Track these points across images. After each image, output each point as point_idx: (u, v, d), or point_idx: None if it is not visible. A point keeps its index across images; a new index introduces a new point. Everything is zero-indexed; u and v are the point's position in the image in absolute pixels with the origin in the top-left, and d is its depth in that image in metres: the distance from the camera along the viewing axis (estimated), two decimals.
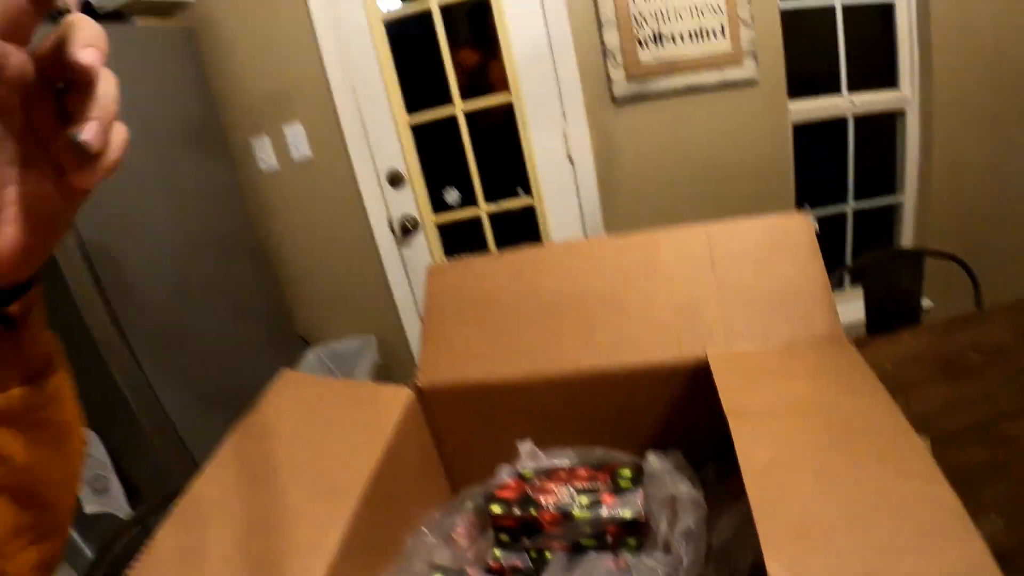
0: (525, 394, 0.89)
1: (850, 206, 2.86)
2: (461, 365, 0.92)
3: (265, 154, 2.87)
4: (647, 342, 0.82)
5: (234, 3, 2.78)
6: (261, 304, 2.83)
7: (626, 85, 2.49)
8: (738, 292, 0.82)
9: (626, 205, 2.65)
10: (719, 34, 2.40)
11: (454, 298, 0.97)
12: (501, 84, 2.64)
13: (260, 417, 0.86)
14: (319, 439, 0.82)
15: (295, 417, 0.86)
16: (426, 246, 2.87)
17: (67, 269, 1.96)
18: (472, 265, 1.01)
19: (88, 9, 2.49)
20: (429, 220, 2.85)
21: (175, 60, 2.63)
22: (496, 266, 0.99)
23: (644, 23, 2.42)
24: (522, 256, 0.99)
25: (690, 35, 2.41)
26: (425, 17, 2.63)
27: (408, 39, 2.71)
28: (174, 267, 2.35)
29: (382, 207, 2.82)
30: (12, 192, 0.40)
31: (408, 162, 2.76)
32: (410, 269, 2.92)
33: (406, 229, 2.82)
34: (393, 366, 2.99)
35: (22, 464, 0.48)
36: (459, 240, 2.91)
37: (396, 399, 0.88)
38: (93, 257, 2.03)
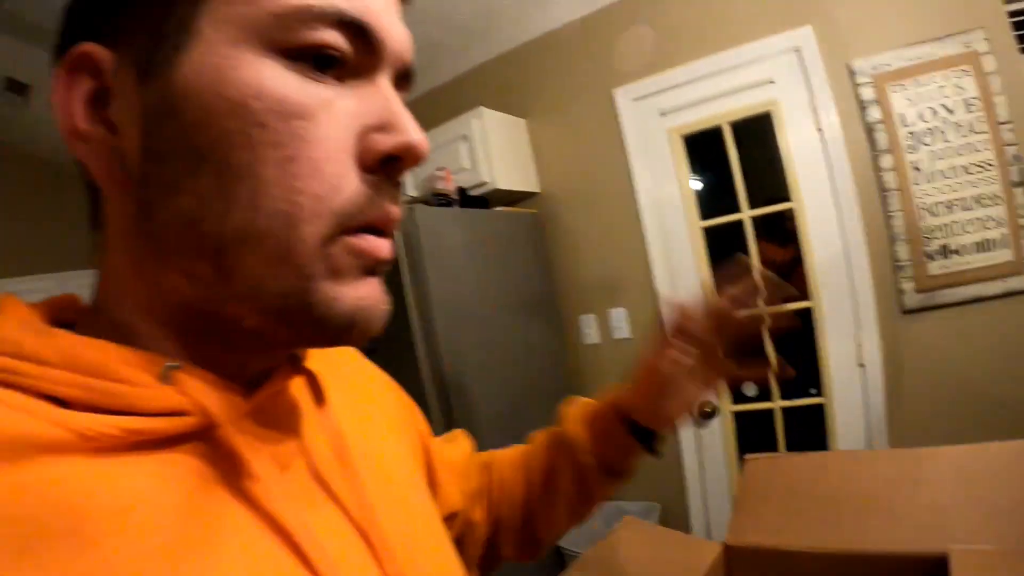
0: (807, 562, 1.17)
1: None
2: (760, 532, 1.23)
3: (590, 330, 3.35)
4: (905, 535, 1.07)
5: (575, 198, 3.37)
6: None
7: (915, 296, 2.63)
8: (982, 501, 1.06)
9: (910, 409, 2.72)
10: (1001, 245, 2.49)
11: (762, 481, 1.29)
12: (799, 279, 2.89)
13: (607, 543, 1.23)
14: (648, 567, 1.17)
15: (631, 548, 1.22)
16: (720, 430, 3.11)
17: (430, 397, 2.52)
18: (779, 459, 1.33)
19: (462, 193, 3.16)
20: (727, 408, 3.09)
21: (524, 242, 3.24)
22: (797, 462, 1.31)
23: (932, 238, 2.58)
24: (818, 458, 1.30)
25: (975, 247, 2.52)
26: (737, 225, 3.01)
27: (723, 241, 3.08)
28: (505, 406, 2.85)
29: None
30: (693, 386, 0.86)
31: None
32: (703, 449, 3.16)
33: (705, 414, 3.06)
34: None
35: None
36: (752, 428, 3.11)
37: (709, 549, 1.21)
38: (450, 388, 2.56)
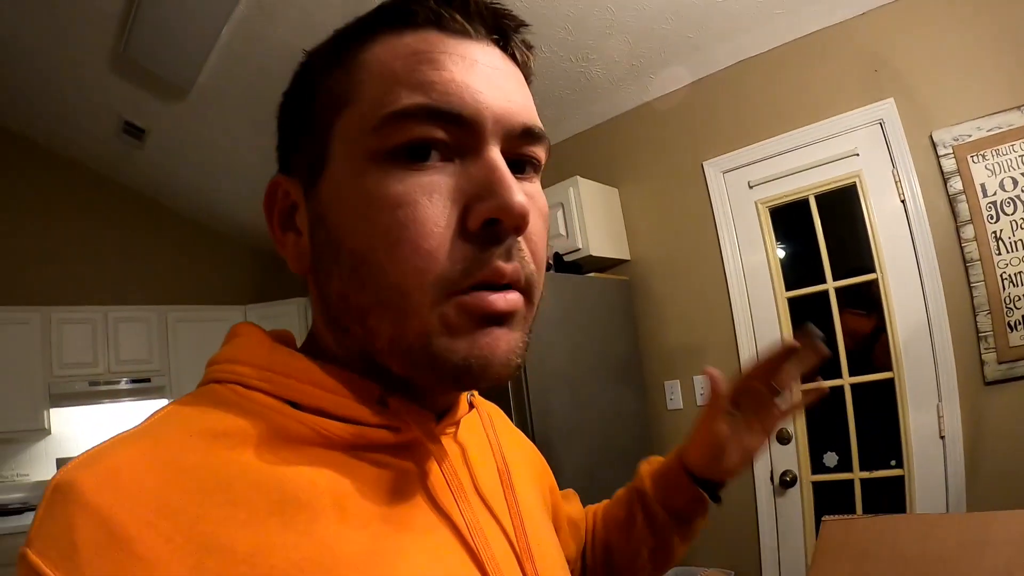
0: None
1: None
2: None
3: (674, 395, 3.40)
4: None
5: (663, 265, 3.46)
6: None
7: (997, 367, 2.58)
8: None
9: (990, 482, 2.63)
10: None
11: (838, 542, 1.34)
12: (882, 350, 2.89)
13: None
14: None
15: None
16: (799, 499, 3.08)
17: None
18: (855, 521, 1.37)
19: (556, 257, 3.26)
20: (807, 477, 3.06)
21: (614, 307, 3.34)
22: (871, 524, 1.35)
23: (1014, 307, 2.55)
24: (891, 520, 1.34)
25: None
26: (823, 296, 3.03)
27: (807, 311, 3.10)
28: (588, 465, 2.92)
29: (767, 459, 3.13)
30: (745, 441, 0.89)
31: (796, 423, 3.06)
32: (781, 517, 3.13)
33: (784, 482, 3.08)
34: None
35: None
36: (830, 498, 3.07)
37: None
38: (535, 444, 2.64)
